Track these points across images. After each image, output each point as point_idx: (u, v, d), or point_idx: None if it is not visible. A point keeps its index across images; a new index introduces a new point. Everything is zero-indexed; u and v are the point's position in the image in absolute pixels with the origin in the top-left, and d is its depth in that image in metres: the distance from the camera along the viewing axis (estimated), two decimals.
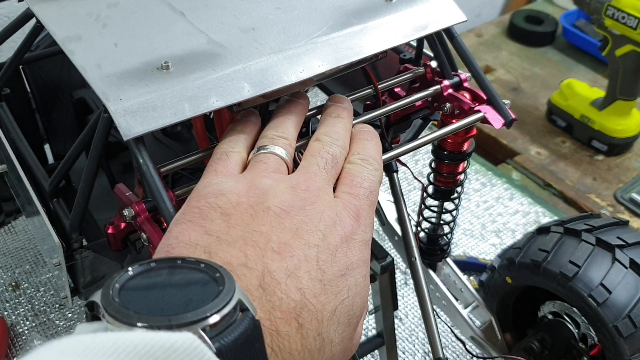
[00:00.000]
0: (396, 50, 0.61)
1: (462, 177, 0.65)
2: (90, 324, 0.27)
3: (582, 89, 1.25)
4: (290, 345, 0.31)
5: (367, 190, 0.38)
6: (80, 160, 0.53)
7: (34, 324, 0.86)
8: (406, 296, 0.94)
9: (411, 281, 0.76)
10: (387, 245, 0.92)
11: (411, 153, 0.68)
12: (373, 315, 0.72)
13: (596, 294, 0.61)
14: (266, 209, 0.34)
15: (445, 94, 0.56)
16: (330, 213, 0.35)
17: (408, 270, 0.93)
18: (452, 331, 0.79)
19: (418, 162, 1.16)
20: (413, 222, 0.70)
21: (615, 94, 1.17)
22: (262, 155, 0.39)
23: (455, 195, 0.67)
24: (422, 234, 0.73)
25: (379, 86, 0.55)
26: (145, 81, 0.42)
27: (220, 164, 0.39)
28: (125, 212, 0.42)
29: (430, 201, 0.68)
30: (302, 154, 0.41)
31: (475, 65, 0.56)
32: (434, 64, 0.57)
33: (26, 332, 0.85)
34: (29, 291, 0.90)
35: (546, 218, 1.08)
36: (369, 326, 0.87)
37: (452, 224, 0.71)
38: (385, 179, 0.68)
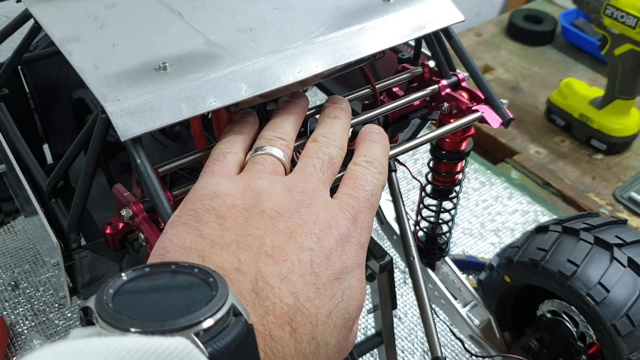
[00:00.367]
0: (394, 49, 0.61)
1: (460, 176, 0.65)
2: (85, 329, 0.27)
3: (581, 88, 1.26)
4: (284, 350, 0.30)
5: (369, 193, 0.38)
6: (79, 161, 0.53)
7: (33, 324, 0.86)
8: (405, 295, 0.94)
9: (410, 280, 0.76)
10: (386, 245, 0.93)
11: (410, 152, 0.68)
12: (372, 314, 0.72)
13: (594, 293, 0.61)
14: (261, 212, 0.34)
15: (443, 93, 0.56)
16: (326, 215, 0.35)
17: (407, 270, 0.93)
18: (451, 330, 0.79)
19: (417, 162, 1.16)
20: (412, 221, 0.70)
21: (614, 93, 1.17)
22: (259, 156, 0.39)
23: (454, 194, 0.67)
24: (420, 233, 0.73)
25: (377, 86, 0.55)
26: (143, 82, 0.42)
27: (217, 165, 0.39)
28: (123, 213, 0.42)
29: (428, 200, 0.68)
30: (300, 154, 0.41)
31: (473, 64, 0.56)
32: (432, 63, 0.57)
33: (25, 331, 0.85)
34: (28, 291, 0.90)
35: (545, 217, 1.08)
36: (368, 325, 0.88)
37: (450, 223, 0.71)
38: None
